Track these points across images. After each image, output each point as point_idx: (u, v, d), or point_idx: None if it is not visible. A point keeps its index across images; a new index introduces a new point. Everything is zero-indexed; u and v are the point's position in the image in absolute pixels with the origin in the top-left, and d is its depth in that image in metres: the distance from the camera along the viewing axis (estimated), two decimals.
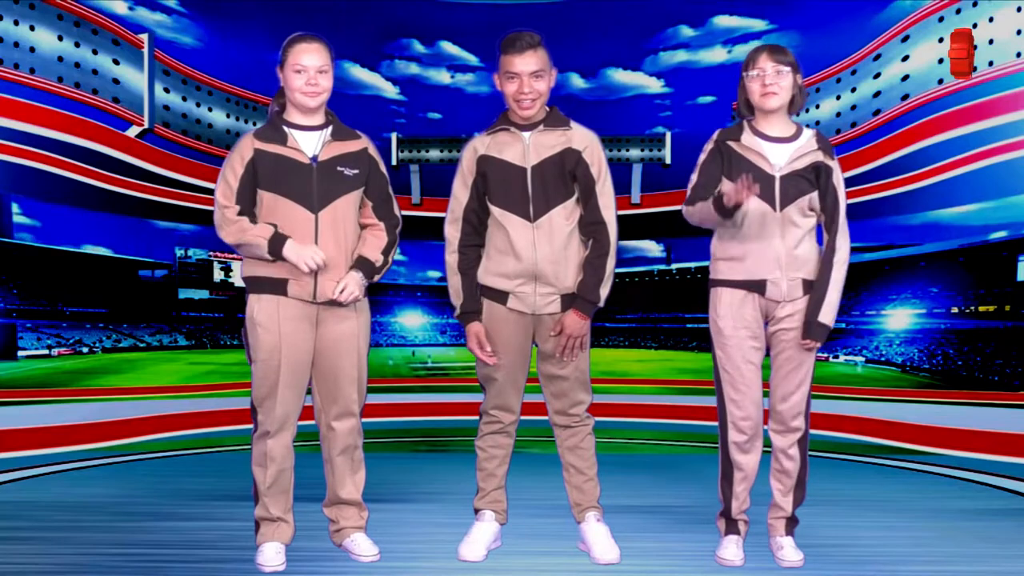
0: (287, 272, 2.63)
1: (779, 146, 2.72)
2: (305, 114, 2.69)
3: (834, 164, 2.77)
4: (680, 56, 8.99)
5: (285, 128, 2.69)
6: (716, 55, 8.81)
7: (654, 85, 9.16)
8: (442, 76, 9.30)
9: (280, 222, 2.61)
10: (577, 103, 8.85)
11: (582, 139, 2.75)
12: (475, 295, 2.79)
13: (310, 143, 2.68)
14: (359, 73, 8.91)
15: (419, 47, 9.19)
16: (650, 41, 9.00)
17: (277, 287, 2.63)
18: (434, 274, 11.45)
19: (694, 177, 2.78)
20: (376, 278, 2.73)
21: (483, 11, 8.34)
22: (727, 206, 2.50)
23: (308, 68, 2.62)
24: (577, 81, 8.99)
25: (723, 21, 8.63)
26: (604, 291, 2.72)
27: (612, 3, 8.61)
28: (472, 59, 9.17)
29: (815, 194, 2.71)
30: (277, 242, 2.57)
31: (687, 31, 8.90)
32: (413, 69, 9.25)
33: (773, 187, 2.67)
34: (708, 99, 8.81)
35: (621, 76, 9.20)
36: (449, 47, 9.17)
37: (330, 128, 2.72)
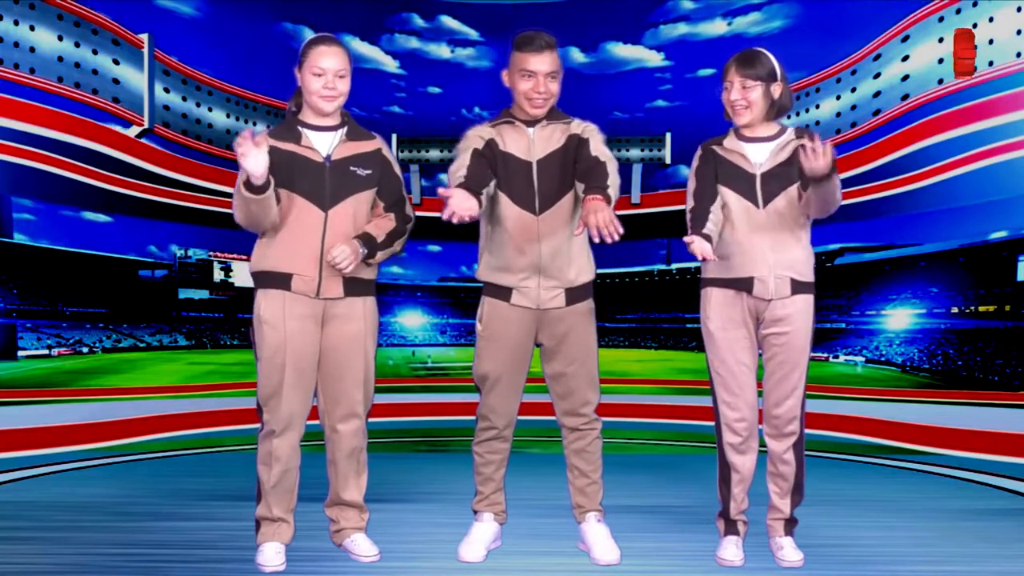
0: (291, 267, 2.62)
1: (760, 145, 2.73)
2: (320, 116, 2.69)
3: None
4: (680, 29, 8.97)
5: (299, 128, 2.69)
6: (716, 27, 8.80)
7: (654, 59, 9.13)
8: (442, 50, 9.28)
9: (292, 220, 2.62)
10: (577, 77, 8.81)
11: (580, 124, 2.76)
12: (478, 182, 2.54)
13: (324, 142, 2.68)
14: (359, 46, 8.91)
15: (419, 21, 9.16)
16: (650, 15, 8.99)
17: (281, 282, 2.63)
18: (434, 268, 11.46)
19: (691, 185, 2.77)
20: (377, 257, 2.67)
21: None
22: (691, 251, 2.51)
23: (327, 71, 2.61)
24: (577, 55, 8.97)
25: None
26: (612, 192, 2.51)
27: None
28: (472, 33, 9.14)
29: (798, 184, 2.69)
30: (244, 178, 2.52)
31: (687, 3, 8.88)
32: (413, 43, 9.23)
33: (754, 185, 2.68)
34: (708, 71, 8.80)
35: (621, 50, 9.17)
36: (449, 21, 9.14)
37: (345, 128, 2.72)
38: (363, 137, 2.74)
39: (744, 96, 2.67)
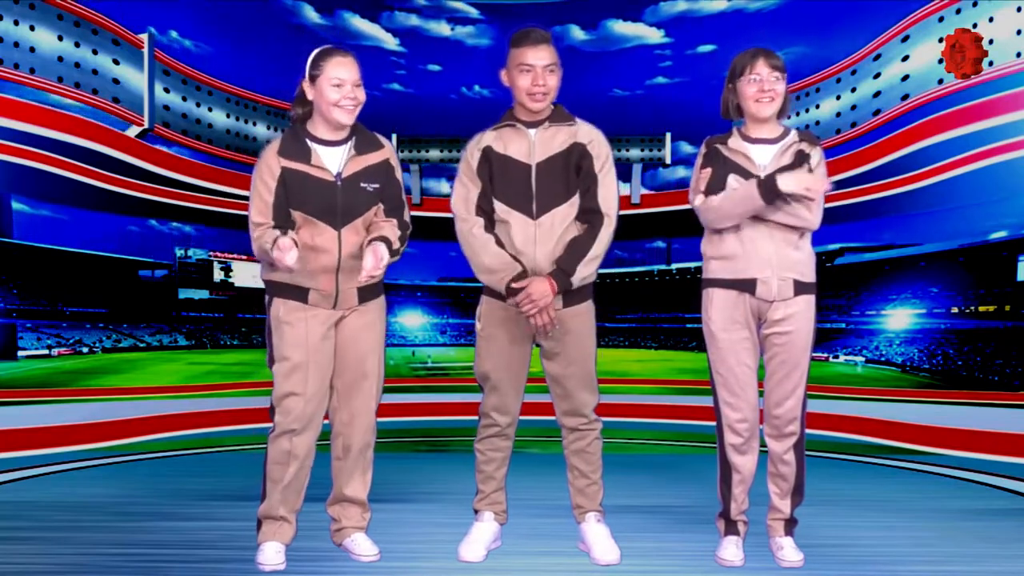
0: (308, 282, 2.64)
1: (764, 147, 2.72)
2: (334, 128, 2.66)
3: (815, 151, 2.72)
4: (680, 6, 8.94)
5: (309, 142, 2.65)
6: (716, 3, 8.76)
7: (654, 35, 9.11)
8: (442, 28, 9.26)
9: (307, 239, 2.61)
10: (577, 55, 8.84)
11: (587, 133, 2.75)
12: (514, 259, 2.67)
13: (334, 159, 2.65)
14: (359, 24, 8.91)
15: None
16: None
17: (298, 294, 2.65)
18: (435, 272, 11.46)
19: (699, 173, 2.75)
20: (394, 258, 2.64)
21: None
22: (782, 190, 2.52)
23: (346, 82, 2.59)
24: (577, 33, 8.95)
25: None
26: (583, 270, 2.64)
27: None
28: (472, 11, 9.11)
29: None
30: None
31: None
32: (413, 20, 9.21)
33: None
34: (708, 48, 8.80)
35: (621, 27, 9.14)
36: None
37: (353, 140, 2.69)
38: (372, 148, 2.71)
39: (773, 87, 2.66)
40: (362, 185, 2.66)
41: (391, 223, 2.70)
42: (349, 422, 2.76)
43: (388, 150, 2.76)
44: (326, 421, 2.80)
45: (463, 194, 2.73)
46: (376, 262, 2.55)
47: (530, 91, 2.67)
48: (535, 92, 2.67)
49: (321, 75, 2.60)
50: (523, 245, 2.68)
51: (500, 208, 2.70)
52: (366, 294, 2.72)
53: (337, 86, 2.59)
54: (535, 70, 2.66)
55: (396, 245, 2.64)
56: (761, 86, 2.66)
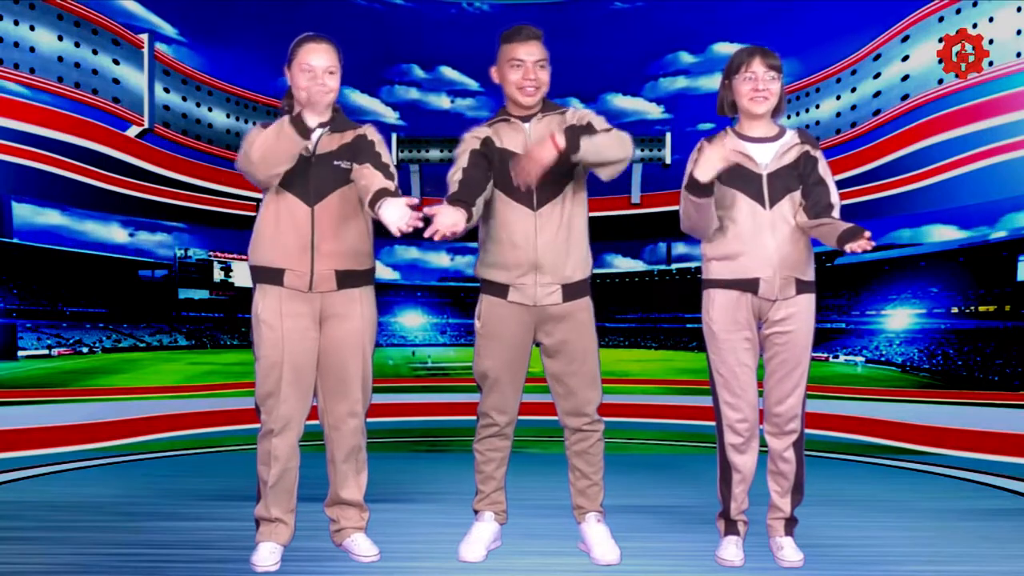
0: (283, 262, 2.64)
1: (763, 145, 2.72)
2: (311, 113, 2.67)
3: (819, 155, 2.76)
4: (680, 82, 9.08)
5: None
6: (716, 82, 8.82)
7: (654, 111, 9.25)
8: (442, 101, 9.37)
9: (281, 215, 2.63)
10: None
11: (573, 114, 2.76)
12: (471, 192, 2.58)
13: (312, 139, 2.69)
14: (358, 98, 8.99)
15: (419, 72, 9.27)
16: (650, 67, 9.09)
17: (274, 277, 2.65)
18: (436, 270, 11.47)
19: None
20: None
21: (483, 37, 8.47)
22: (699, 177, 2.50)
23: (316, 68, 2.62)
24: (576, 106, 9.06)
25: (723, 48, 8.63)
26: (585, 143, 2.50)
27: (612, 29, 8.63)
28: (472, 84, 9.25)
29: (801, 190, 2.70)
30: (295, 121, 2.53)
31: (687, 57, 8.96)
32: (413, 94, 9.33)
33: (761, 185, 2.68)
34: (708, 126, 8.86)
35: (621, 102, 9.28)
36: (449, 72, 9.24)
37: (331, 124, 2.72)
38: (348, 128, 2.74)
39: (768, 86, 2.66)
40: (335, 163, 2.68)
41: (380, 176, 2.59)
42: (336, 426, 2.76)
43: (365, 128, 2.77)
44: (318, 422, 2.80)
45: (456, 168, 2.69)
46: (403, 217, 2.37)
47: (520, 85, 2.69)
48: (525, 86, 2.69)
49: (295, 60, 2.65)
50: (524, 238, 2.68)
51: (500, 199, 2.70)
52: (347, 281, 2.69)
53: (306, 71, 2.61)
54: (525, 65, 2.68)
55: (394, 189, 2.54)
56: (756, 85, 2.66)
